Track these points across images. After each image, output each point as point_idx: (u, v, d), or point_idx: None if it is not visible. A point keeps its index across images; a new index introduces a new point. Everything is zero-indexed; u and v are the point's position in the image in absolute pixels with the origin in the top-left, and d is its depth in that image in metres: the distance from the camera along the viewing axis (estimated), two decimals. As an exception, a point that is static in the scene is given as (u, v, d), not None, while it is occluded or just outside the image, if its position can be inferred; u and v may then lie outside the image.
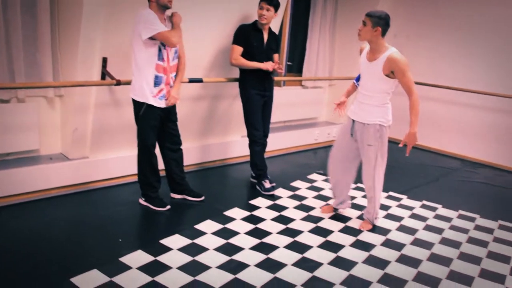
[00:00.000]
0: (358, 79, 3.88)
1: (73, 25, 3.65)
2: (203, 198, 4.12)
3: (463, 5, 6.30)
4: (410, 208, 4.38)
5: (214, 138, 5.18)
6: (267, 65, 4.28)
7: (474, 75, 6.27)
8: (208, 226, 3.60)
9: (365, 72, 3.64)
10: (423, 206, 4.47)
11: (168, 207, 3.89)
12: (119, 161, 4.34)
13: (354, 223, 3.91)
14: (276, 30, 4.98)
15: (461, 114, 6.52)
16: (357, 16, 6.63)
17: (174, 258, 3.07)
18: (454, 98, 6.52)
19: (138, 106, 3.67)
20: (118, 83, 3.84)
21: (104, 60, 3.85)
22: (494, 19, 6.04)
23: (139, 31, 3.43)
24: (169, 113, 3.84)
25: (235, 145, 5.38)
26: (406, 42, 6.93)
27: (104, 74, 3.89)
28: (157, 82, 3.62)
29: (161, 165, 3.97)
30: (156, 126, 3.76)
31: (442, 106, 6.70)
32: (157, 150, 3.89)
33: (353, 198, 4.51)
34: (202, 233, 3.46)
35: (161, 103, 3.69)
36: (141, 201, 3.96)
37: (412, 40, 6.87)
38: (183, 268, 2.94)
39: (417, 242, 3.64)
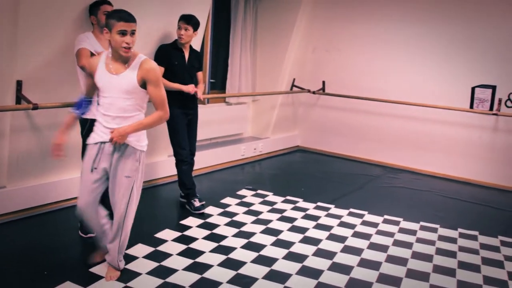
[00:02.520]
0: (80, 105, 3.09)
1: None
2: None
3: (376, 22, 6.63)
4: (338, 217, 4.50)
5: (140, 159, 5.06)
6: (188, 88, 4.29)
7: (390, 86, 6.59)
8: (139, 250, 3.51)
9: (109, 88, 2.86)
10: (350, 214, 4.61)
11: (91, 235, 3.72)
12: (41, 188, 4.14)
13: (285, 236, 3.96)
14: (197, 47, 4.99)
15: (380, 123, 6.83)
16: (276, 31, 6.82)
17: (106, 286, 2.96)
18: (374, 108, 6.81)
19: (83, 123, 3.56)
20: (35, 107, 3.68)
21: (19, 84, 3.68)
22: (404, 36, 6.41)
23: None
24: None
25: (162, 165, 5.30)
26: (325, 55, 7.17)
27: (20, 98, 3.71)
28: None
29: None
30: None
31: (362, 116, 6.98)
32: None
33: (283, 211, 4.57)
34: (133, 258, 3.36)
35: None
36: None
37: (331, 53, 7.12)
38: (115, 295, 2.84)
39: (347, 249, 3.75)
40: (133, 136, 2.90)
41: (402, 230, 4.24)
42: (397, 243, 3.94)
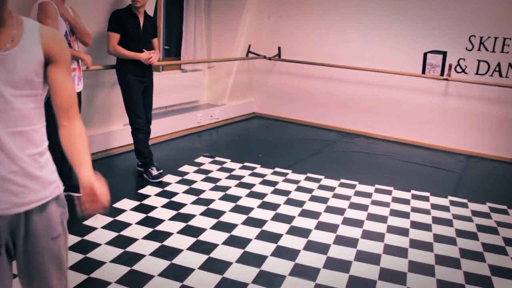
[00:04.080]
0: None
1: None
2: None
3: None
4: (296, 182, 4.58)
5: (94, 129, 4.95)
6: (145, 56, 4.20)
7: (345, 52, 6.65)
8: (97, 220, 3.46)
9: None
10: (308, 179, 4.69)
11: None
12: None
13: (244, 202, 4.00)
14: (150, 13, 4.86)
15: (336, 88, 6.90)
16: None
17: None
18: (327, 74, 6.87)
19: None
20: None
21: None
22: (358, 2, 6.45)
23: None
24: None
25: (118, 134, 5.20)
26: (280, 22, 7.13)
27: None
28: None
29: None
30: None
31: (318, 82, 7.03)
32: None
33: (241, 177, 4.60)
34: (92, 229, 3.33)
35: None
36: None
37: (286, 19, 7.09)
38: (76, 266, 2.81)
39: (305, 213, 3.83)
40: (43, 174, 1.54)
41: (358, 193, 4.35)
42: (353, 205, 4.05)
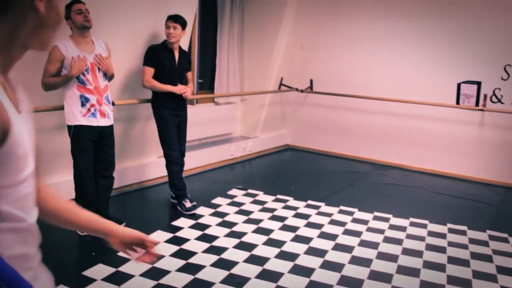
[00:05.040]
0: None
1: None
2: (124, 224, 3.99)
3: (362, 18, 6.67)
4: (329, 215, 4.54)
5: (130, 161, 5.06)
6: (180, 90, 4.30)
7: (377, 82, 6.64)
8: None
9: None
10: (341, 212, 4.64)
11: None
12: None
13: (277, 235, 3.98)
14: (185, 47, 4.99)
15: (368, 119, 6.87)
16: (263, 29, 6.84)
17: (98, 289, 2.97)
18: (360, 105, 6.86)
19: (68, 130, 3.66)
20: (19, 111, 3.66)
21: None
22: (390, 32, 6.45)
23: None
24: (102, 134, 3.77)
25: (152, 167, 5.29)
26: (312, 53, 7.20)
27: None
28: (84, 101, 3.62)
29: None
30: (87, 150, 3.71)
31: (350, 114, 7.02)
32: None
33: (274, 210, 4.59)
34: (126, 260, 3.36)
35: (91, 121, 3.65)
36: None
37: (317, 51, 7.15)
38: (109, 298, 2.85)
39: (338, 247, 3.78)
40: None
41: (392, 227, 4.28)
42: (387, 239, 3.98)
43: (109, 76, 3.89)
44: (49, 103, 3.93)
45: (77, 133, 3.64)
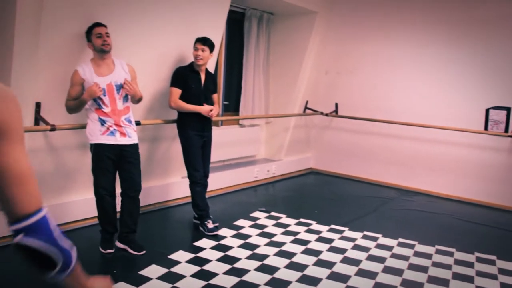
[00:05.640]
0: None
1: (3, 70, 3.54)
2: (143, 252, 3.88)
3: (388, 43, 6.66)
4: (352, 240, 4.47)
5: (154, 180, 5.09)
6: (205, 109, 4.33)
7: (403, 107, 6.58)
8: (153, 271, 3.51)
9: None
10: (364, 237, 4.57)
11: (110, 250, 3.82)
12: (56, 208, 4.17)
13: (299, 259, 3.93)
14: (211, 70, 5.05)
15: (394, 145, 6.80)
16: (289, 53, 6.88)
17: (119, 308, 2.96)
18: (385, 130, 6.80)
19: (90, 148, 3.72)
20: (53, 128, 3.74)
21: (38, 105, 3.75)
22: (417, 58, 6.42)
23: None
24: (123, 153, 3.77)
25: (176, 187, 5.32)
26: (337, 78, 7.20)
27: (38, 119, 3.78)
28: (102, 123, 3.66)
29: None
30: (107, 168, 3.72)
31: (375, 138, 6.96)
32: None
33: (296, 233, 4.54)
34: (147, 279, 3.36)
35: (110, 140, 3.68)
36: (118, 243, 3.92)
37: (343, 75, 7.15)
38: (129, 317, 2.83)
39: (361, 273, 3.70)
40: None
41: (417, 254, 4.18)
42: (412, 267, 3.89)
43: (136, 99, 3.91)
44: (76, 121, 4.01)
45: (97, 152, 3.67)
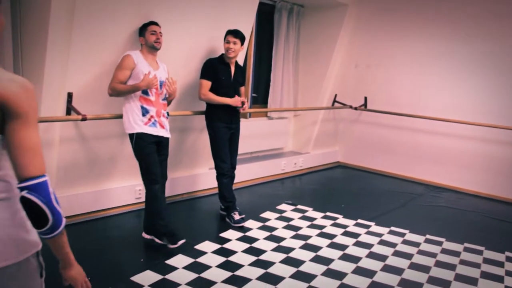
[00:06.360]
0: None
1: (37, 61, 3.62)
2: (183, 241, 3.81)
3: (419, 37, 6.55)
4: (379, 235, 4.44)
5: (181, 171, 5.15)
6: (236, 102, 4.34)
7: (433, 102, 6.48)
8: (179, 260, 3.56)
9: None
10: (391, 232, 4.53)
11: (181, 242, 3.76)
12: (87, 196, 4.26)
13: (325, 252, 3.93)
14: (241, 62, 5.05)
15: (423, 139, 6.71)
16: (318, 46, 6.83)
17: (146, 295, 3.01)
18: (415, 125, 6.71)
19: (131, 138, 3.75)
20: (84, 118, 3.81)
21: (70, 95, 3.82)
22: (447, 52, 6.30)
23: None
24: (160, 144, 3.87)
25: (203, 178, 5.36)
26: (367, 72, 7.13)
27: (70, 109, 3.85)
28: (144, 112, 3.72)
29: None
30: (154, 155, 3.78)
31: (404, 133, 6.88)
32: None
33: (323, 227, 4.54)
34: (173, 268, 3.41)
35: (152, 131, 3.74)
36: (144, 234, 3.93)
37: (372, 69, 7.07)
38: (155, 305, 2.89)
39: (387, 268, 3.68)
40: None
41: (445, 251, 4.13)
42: (439, 264, 3.85)
43: (170, 99, 4.02)
44: (107, 111, 4.08)
45: (141, 140, 3.70)
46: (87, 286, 1.64)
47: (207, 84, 4.34)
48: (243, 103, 4.40)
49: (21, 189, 1.36)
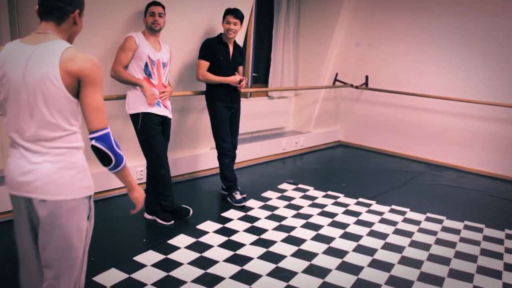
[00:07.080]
0: None
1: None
2: (191, 213, 4.10)
3: (420, 16, 6.49)
4: (380, 213, 4.46)
5: (182, 151, 5.15)
6: (234, 79, 4.32)
7: (434, 81, 6.45)
8: (181, 240, 3.58)
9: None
10: (392, 211, 4.55)
11: (172, 222, 3.95)
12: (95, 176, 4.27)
13: (326, 231, 3.95)
14: (240, 42, 5.02)
15: (424, 118, 6.70)
16: (319, 25, 6.77)
17: (148, 274, 3.04)
18: (417, 103, 6.69)
19: (135, 119, 3.74)
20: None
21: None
22: (449, 30, 6.24)
23: None
24: (164, 124, 3.88)
25: (204, 158, 5.37)
26: (368, 50, 7.08)
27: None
28: None
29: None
30: (160, 135, 3.81)
31: (405, 112, 6.86)
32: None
33: (324, 206, 4.56)
34: (175, 248, 3.44)
35: (157, 110, 3.75)
36: (146, 215, 4.00)
37: (374, 47, 7.02)
38: (158, 284, 2.91)
39: (388, 246, 3.71)
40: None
41: (445, 229, 4.16)
42: (439, 241, 3.87)
43: None
44: (114, 93, 4.06)
45: (147, 120, 3.71)
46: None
47: (205, 64, 4.31)
48: (240, 80, 4.37)
49: (91, 139, 1.83)
